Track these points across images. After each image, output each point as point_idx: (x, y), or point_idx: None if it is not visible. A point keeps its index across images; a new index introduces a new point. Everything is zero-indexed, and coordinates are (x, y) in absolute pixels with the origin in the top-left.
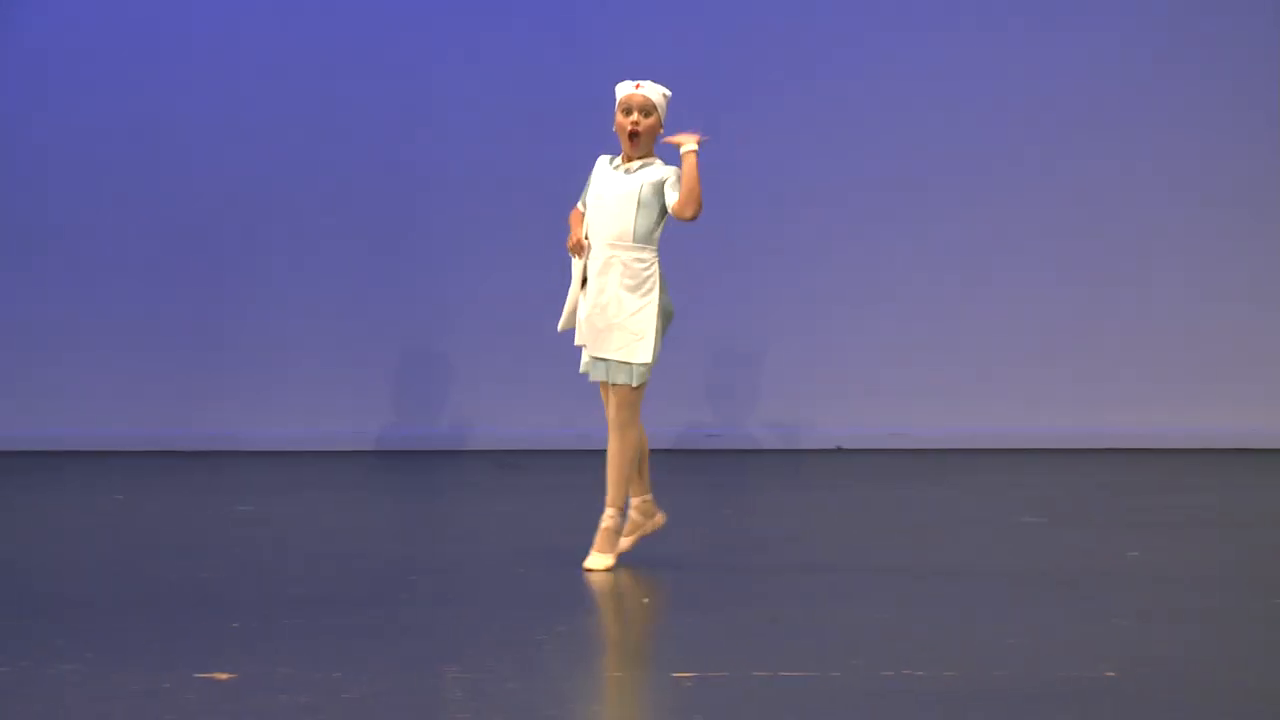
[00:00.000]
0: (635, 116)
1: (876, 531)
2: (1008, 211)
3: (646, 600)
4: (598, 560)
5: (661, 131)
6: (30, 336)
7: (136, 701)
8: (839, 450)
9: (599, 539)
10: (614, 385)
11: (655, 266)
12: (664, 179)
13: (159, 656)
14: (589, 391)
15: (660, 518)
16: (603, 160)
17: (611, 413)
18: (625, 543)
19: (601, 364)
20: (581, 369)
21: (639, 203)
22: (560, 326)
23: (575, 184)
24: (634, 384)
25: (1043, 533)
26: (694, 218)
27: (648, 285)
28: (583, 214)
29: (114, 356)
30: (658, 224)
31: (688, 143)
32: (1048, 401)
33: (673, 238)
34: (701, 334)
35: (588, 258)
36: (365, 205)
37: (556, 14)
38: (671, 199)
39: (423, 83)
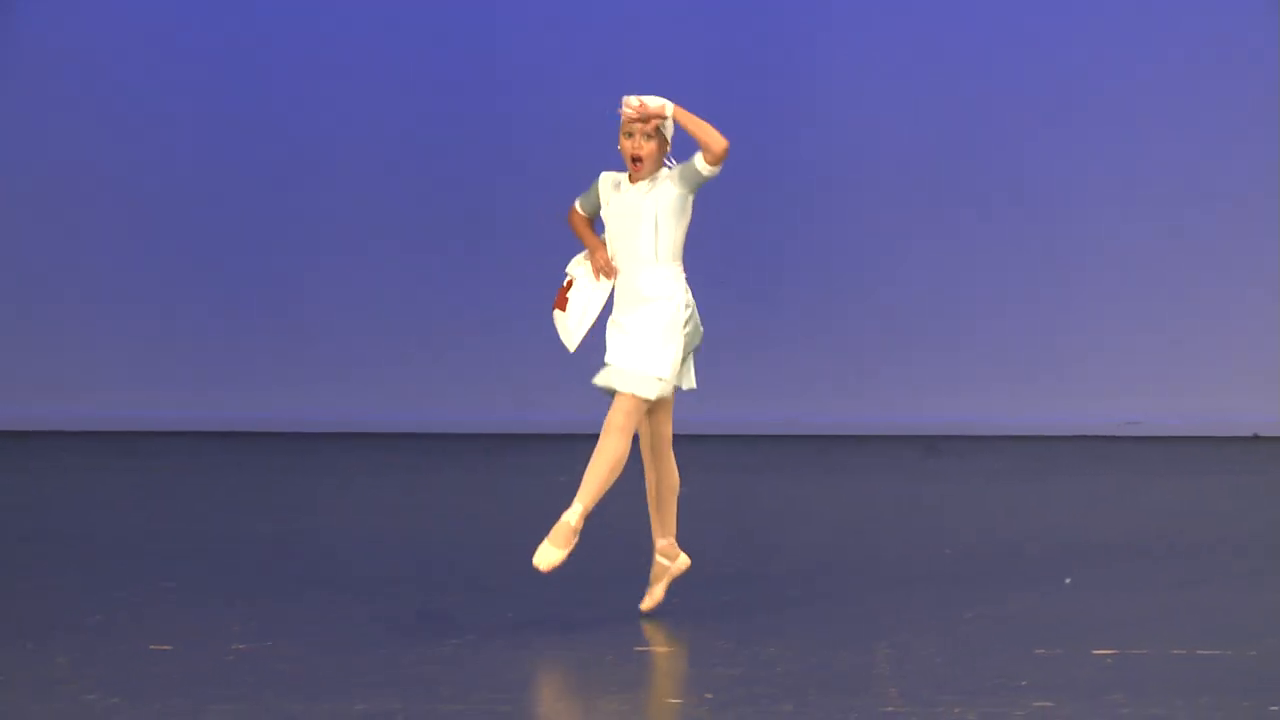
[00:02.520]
0: (637, 140)
1: None
2: None
3: (1068, 580)
4: (547, 554)
5: (669, 149)
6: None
7: (577, 671)
8: (1255, 438)
9: (555, 531)
10: (619, 393)
11: (682, 282)
12: (678, 192)
13: (599, 629)
14: None
15: (684, 561)
16: (607, 179)
17: (609, 413)
18: (658, 591)
19: (613, 370)
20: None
21: (657, 223)
22: (574, 348)
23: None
24: (641, 395)
25: None
26: (724, 150)
27: (673, 300)
28: (584, 218)
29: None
30: (681, 238)
31: (665, 108)
32: None
33: (1095, 232)
34: (1118, 324)
35: (616, 279)
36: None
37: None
38: (697, 164)
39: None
